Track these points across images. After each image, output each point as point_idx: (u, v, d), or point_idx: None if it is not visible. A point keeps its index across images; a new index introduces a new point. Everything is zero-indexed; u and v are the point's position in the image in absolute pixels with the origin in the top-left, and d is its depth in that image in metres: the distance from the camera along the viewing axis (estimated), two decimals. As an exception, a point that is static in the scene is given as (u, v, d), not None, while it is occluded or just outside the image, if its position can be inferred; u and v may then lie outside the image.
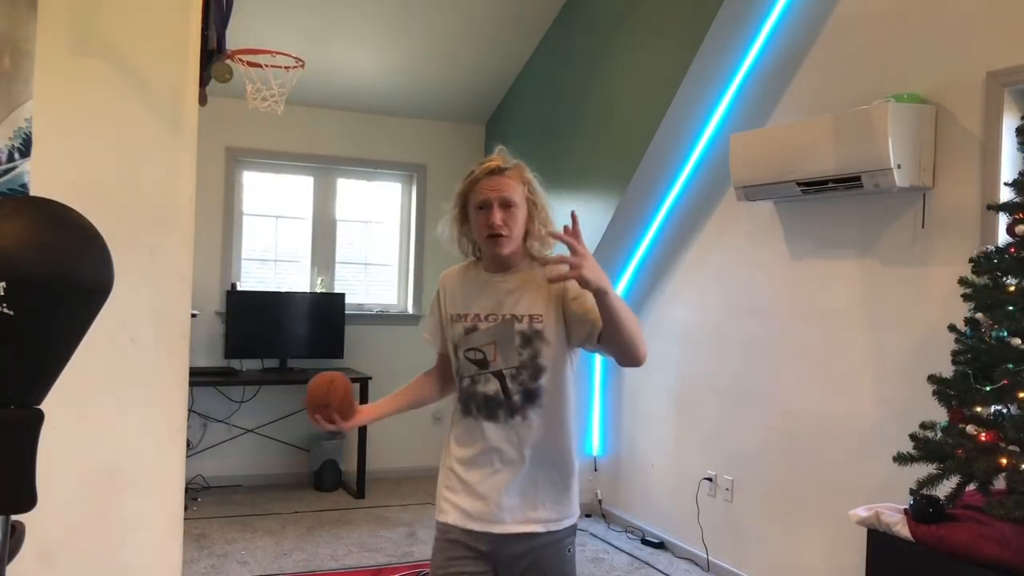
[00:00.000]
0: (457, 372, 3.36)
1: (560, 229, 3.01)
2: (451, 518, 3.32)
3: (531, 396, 3.22)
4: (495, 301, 3.28)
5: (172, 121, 4.31)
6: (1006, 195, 4.14)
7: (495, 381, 3.24)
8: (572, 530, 3.33)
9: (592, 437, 8.39)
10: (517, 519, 3.23)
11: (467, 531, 3.27)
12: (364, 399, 8.69)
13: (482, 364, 3.26)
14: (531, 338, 3.21)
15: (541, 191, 3.41)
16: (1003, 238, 4.05)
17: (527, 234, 3.32)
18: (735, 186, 6.17)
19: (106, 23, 4.19)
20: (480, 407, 3.26)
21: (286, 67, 6.65)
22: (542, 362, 3.21)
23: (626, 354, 3.08)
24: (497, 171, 3.33)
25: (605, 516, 8.15)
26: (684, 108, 6.79)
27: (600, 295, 2.89)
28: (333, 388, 3.30)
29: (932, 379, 4.06)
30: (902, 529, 4.00)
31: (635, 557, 7.08)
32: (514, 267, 3.32)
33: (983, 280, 3.94)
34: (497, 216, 3.22)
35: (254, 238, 9.30)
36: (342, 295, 9.31)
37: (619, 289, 8.04)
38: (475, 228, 3.31)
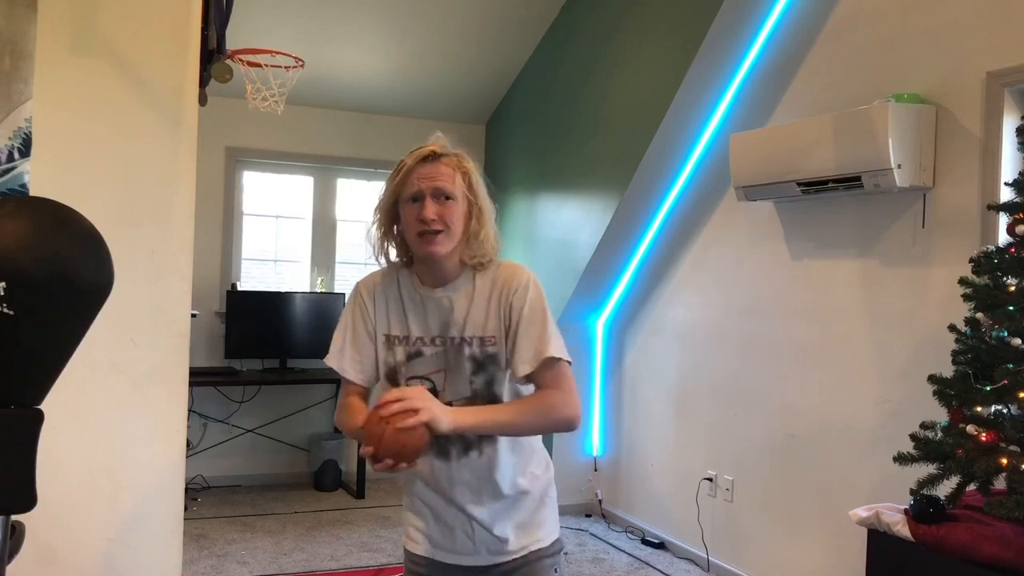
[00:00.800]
0: None
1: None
2: (421, 549, 2.97)
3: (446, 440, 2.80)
4: (439, 321, 2.83)
5: (172, 121, 4.31)
6: (1006, 195, 4.14)
7: None
8: (553, 549, 3.01)
9: (592, 437, 8.39)
10: (491, 550, 2.91)
11: (438, 563, 2.96)
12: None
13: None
14: (484, 363, 2.80)
15: (483, 186, 2.89)
16: (1003, 238, 4.04)
17: (466, 236, 2.83)
18: (735, 186, 6.17)
19: (106, 23, 4.20)
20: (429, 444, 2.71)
21: (286, 67, 6.66)
22: (497, 390, 2.81)
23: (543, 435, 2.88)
24: (432, 157, 2.82)
25: (605, 516, 8.15)
26: (684, 108, 6.78)
27: (467, 432, 2.68)
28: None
29: (932, 379, 4.06)
30: (902, 529, 3.99)
31: (635, 557, 7.08)
32: (453, 279, 2.84)
33: (983, 280, 3.94)
34: (431, 209, 2.73)
35: (254, 238, 9.30)
36: (342, 295, 9.30)
37: (618, 291, 8.05)
38: (406, 226, 2.81)
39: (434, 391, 2.76)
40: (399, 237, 2.89)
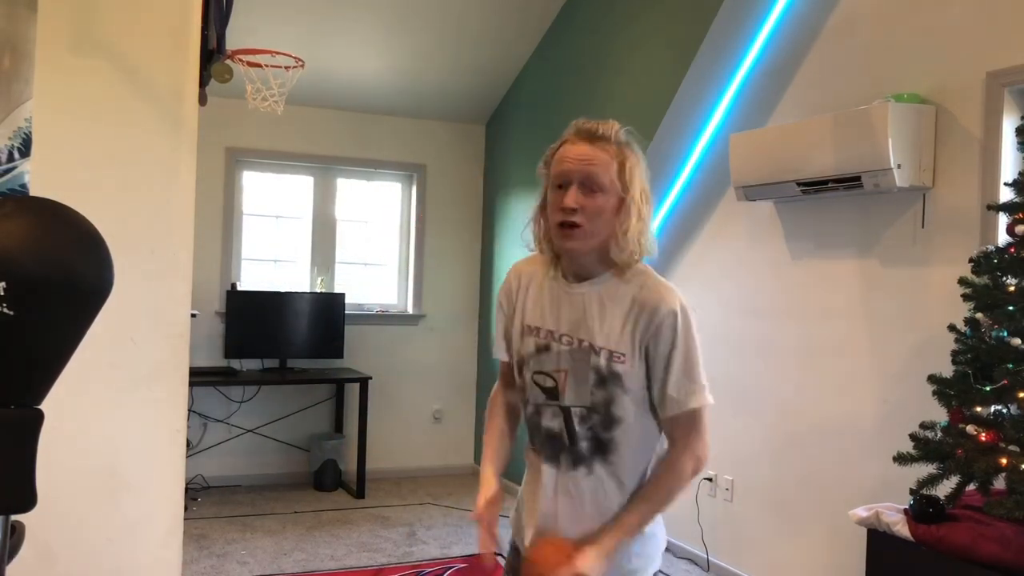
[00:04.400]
0: (523, 392, 2.77)
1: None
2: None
3: (601, 448, 2.62)
4: (573, 320, 2.62)
5: (172, 121, 4.31)
6: (1006, 195, 4.14)
7: (561, 417, 2.64)
8: None
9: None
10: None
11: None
12: (364, 399, 8.70)
13: (551, 394, 2.65)
14: (607, 379, 2.58)
15: (643, 183, 2.63)
16: (1003, 238, 4.05)
17: (612, 231, 2.58)
18: (735, 186, 6.17)
19: (106, 23, 4.20)
20: (542, 444, 2.72)
21: (286, 67, 6.65)
22: (616, 412, 2.59)
23: None
24: (592, 137, 2.61)
25: (605, 516, 8.13)
26: (684, 108, 6.78)
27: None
28: None
29: (932, 379, 4.06)
30: (902, 529, 4.00)
31: (635, 557, 7.07)
32: (596, 276, 2.63)
33: (983, 280, 3.94)
34: (573, 198, 2.52)
35: (254, 238, 9.30)
36: (342, 295, 9.30)
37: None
38: (550, 211, 2.60)
39: (555, 390, 2.64)
40: (543, 223, 2.69)
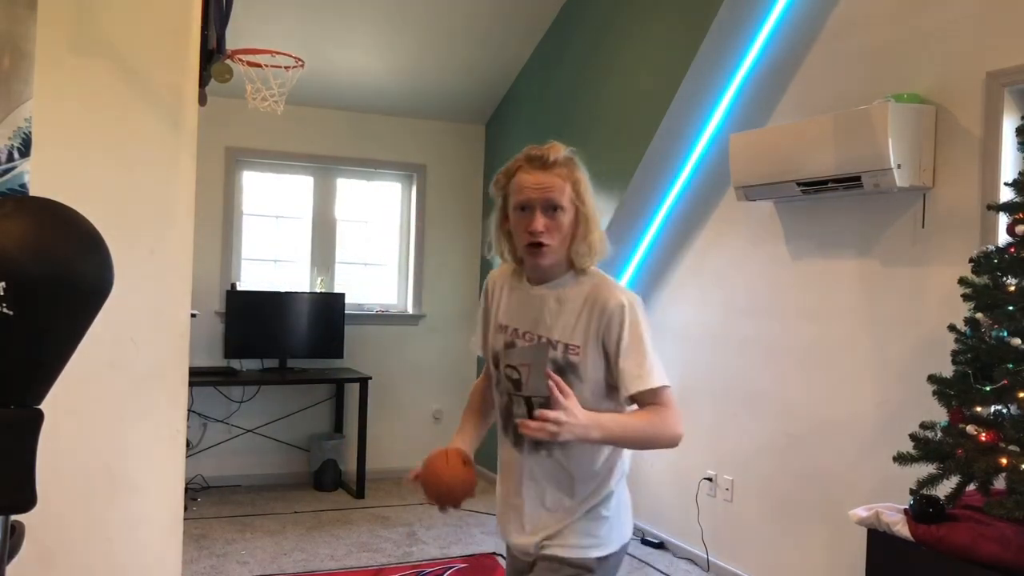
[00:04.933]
0: (496, 384, 3.08)
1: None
2: (508, 536, 3.15)
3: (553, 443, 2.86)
4: (533, 318, 2.94)
5: (172, 121, 4.31)
6: (1006, 195, 4.14)
7: (524, 407, 2.93)
8: (597, 563, 2.97)
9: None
10: (539, 540, 2.99)
11: (513, 545, 3.14)
12: (364, 399, 8.71)
13: (517, 385, 2.95)
14: (564, 370, 2.84)
15: (591, 193, 2.98)
16: (1003, 238, 4.04)
17: (572, 240, 2.91)
18: (735, 186, 6.17)
19: (106, 23, 4.20)
20: (512, 431, 2.99)
21: (286, 67, 6.66)
22: None
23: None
24: (545, 165, 2.89)
25: (605, 516, 8.13)
26: (684, 108, 6.78)
27: (597, 441, 2.77)
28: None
29: (932, 379, 4.06)
30: (902, 529, 4.00)
31: (635, 557, 7.08)
32: (555, 278, 2.96)
33: (983, 280, 3.94)
34: (540, 222, 2.83)
35: (254, 238, 9.30)
36: (342, 295, 9.30)
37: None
38: (515, 231, 2.92)
39: (519, 382, 2.95)
40: (507, 235, 3.01)
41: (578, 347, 2.86)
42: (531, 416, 2.73)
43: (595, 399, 2.86)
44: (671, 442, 2.83)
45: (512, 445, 3.03)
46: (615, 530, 3.02)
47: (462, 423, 3.32)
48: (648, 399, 2.83)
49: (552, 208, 2.85)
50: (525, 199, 2.86)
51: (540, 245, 2.84)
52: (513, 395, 2.99)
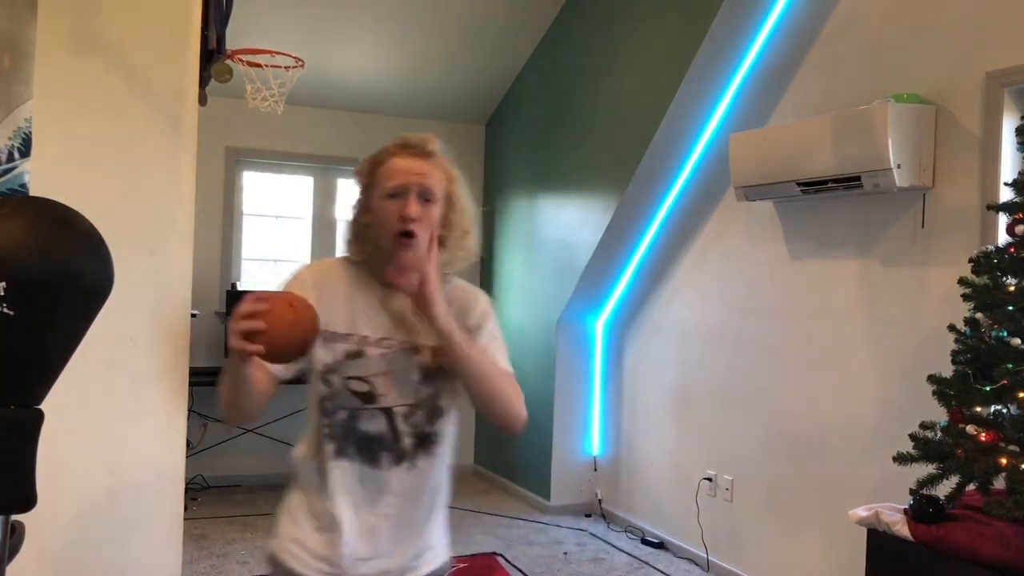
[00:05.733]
0: (324, 402, 2.72)
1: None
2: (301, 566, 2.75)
3: (425, 441, 2.70)
4: (390, 323, 2.68)
5: (172, 121, 4.32)
6: (1006, 195, 4.13)
7: (382, 419, 2.67)
8: (442, 571, 2.86)
9: (592, 437, 8.39)
10: (408, 559, 2.75)
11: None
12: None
13: (367, 398, 2.66)
14: (434, 374, 2.68)
15: (467, 198, 2.79)
16: (1003, 238, 4.04)
17: (442, 241, 2.68)
18: (735, 186, 6.17)
19: (106, 23, 4.20)
20: (360, 448, 2.67)
21: (286, 67, 6.66)
22: (442, 403, 2.72)
23: (489, 415, 2.68)
24: (423, 153, 2.69)
25: (605, 516, 8.15)
26: (684, 108, 6.79)
27: (446, 338, 2.54)
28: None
29: (932, 379, 4.06)
30: (902, 529, 3.99)
31: (635, 557, 7.08)
32: None
33: (983, 280, 3.93)
34: (415, 208, 2.58)
35: (254, 238, 9.30)
36: (342, 295, 9.26)
37: (618, 291, 8.05)
38: (381, 220, 2.63)
39: (371, 395, 2.65)
40: (363, 229, 2.71)
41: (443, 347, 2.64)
42: (395, 432, 2.66)
43: (456, 399, 2.76)
44: (516, 417, 2.69)
45: (365, 463, 2.67)
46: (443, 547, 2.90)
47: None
48: None
49: (426, 198, 2.62)
50: (400, 184, 2.61)
51: (413, 236, 2.56)
52: (360, 409, 2.68)
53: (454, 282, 2.79)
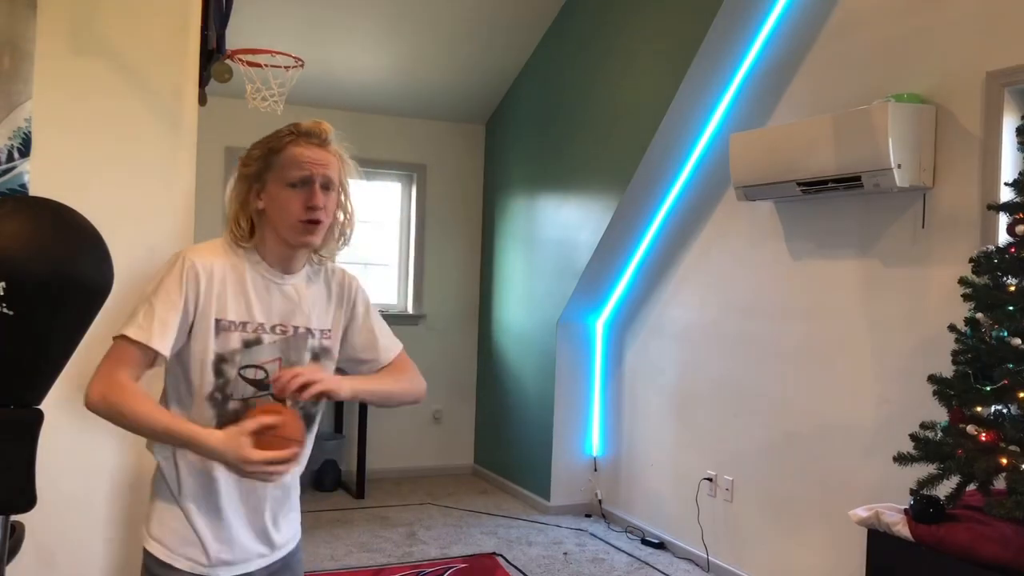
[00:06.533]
0: (215, 393, 2.64)
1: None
2: (186, 565, 2.67)
3: (310, 421, 2.78)
4: (287, 310, 2.73)
5: (172, 121, 4.32)
6: (1006, 195, 4.13)
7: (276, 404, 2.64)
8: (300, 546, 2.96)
9: (592, 437, 8.39)
10: (263, 552, 2.79)
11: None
12: (364, 408, 8.70)
13: (261, 385, 2.66)
14: (320, 356, 2.80)
15: (353, 179, 2.89)
16: (1003, 238, 4.05)
17: (330, 227, 2.78)
18: (735, 186, 6.17)
19: (106, 23, 4.21)
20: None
21: (285, 67, 6.65)
22: None
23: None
24: (323, 142, 2.76)
25: (605, 516, 8.15)
26: (684, 108, 6.79)
27: (357, 398, 2.84)
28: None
29: (932, 379, 4.06)
30: (902, 529, 4.00)
31: (635, 557, 7.08)
32: (300, 269, 2.79)
33: (983, 280, 3.94)
34: (321, 198, 2.66)
35: (254, 238, 9.26)
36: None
37: (618, 291, 8.05)
38: (282, 207, 2.66)
39: (264, 382, 2.66)
40: (255, 214, 2.73)
41: (330, 332, 2.83)
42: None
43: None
44: (420, 394, 3.01)
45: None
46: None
47: (163, 413, 2.59)
48: (399, 364, 3.01)
49: (327, 187, 2.70)
50: (305, 174, 2.66)
51: (318, 223, 2.66)
52: (254, 398, 2.67)
53: (330, 265, 2.91)
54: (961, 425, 3.87)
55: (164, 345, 2.54)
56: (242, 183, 2.74)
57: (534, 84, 9.03)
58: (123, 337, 2.55)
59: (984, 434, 3.78)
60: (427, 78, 9.08)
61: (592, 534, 7.70)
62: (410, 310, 9.78)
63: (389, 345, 3.00)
